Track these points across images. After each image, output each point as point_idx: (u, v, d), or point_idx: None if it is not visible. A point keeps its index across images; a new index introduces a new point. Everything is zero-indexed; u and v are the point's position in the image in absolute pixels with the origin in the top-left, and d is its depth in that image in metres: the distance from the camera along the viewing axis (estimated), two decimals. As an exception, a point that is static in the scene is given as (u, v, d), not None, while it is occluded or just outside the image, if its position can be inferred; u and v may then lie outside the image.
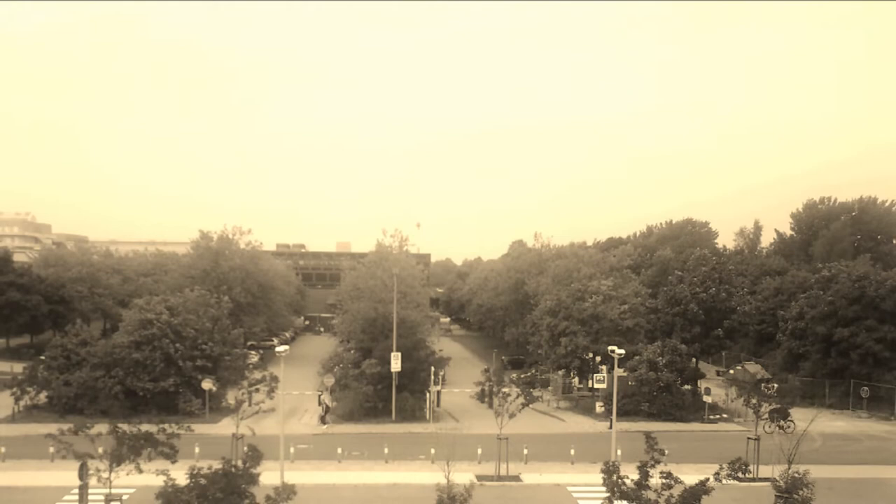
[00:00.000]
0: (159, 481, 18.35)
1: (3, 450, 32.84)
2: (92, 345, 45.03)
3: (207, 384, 42.61)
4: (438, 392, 47.75)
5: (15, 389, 42.41)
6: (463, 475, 27.67)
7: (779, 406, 33.56)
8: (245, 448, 20.31)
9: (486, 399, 41.55)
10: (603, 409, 45.99)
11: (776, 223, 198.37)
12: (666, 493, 17.90)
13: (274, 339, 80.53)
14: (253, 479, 18.80)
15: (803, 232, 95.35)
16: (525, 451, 34.06)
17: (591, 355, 50.97)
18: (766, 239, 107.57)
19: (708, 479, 18.24)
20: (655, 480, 18.34)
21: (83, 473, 21.11)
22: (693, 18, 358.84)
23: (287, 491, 18.44)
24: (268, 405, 32.19)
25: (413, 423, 43.04)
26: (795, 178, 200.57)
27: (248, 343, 64.60)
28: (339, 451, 34.38)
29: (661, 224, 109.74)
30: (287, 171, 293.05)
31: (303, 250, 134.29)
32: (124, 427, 21.02)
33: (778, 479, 23.25)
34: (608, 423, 39.72)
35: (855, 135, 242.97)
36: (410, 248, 72.02)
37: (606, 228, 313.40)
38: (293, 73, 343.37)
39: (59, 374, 43.22)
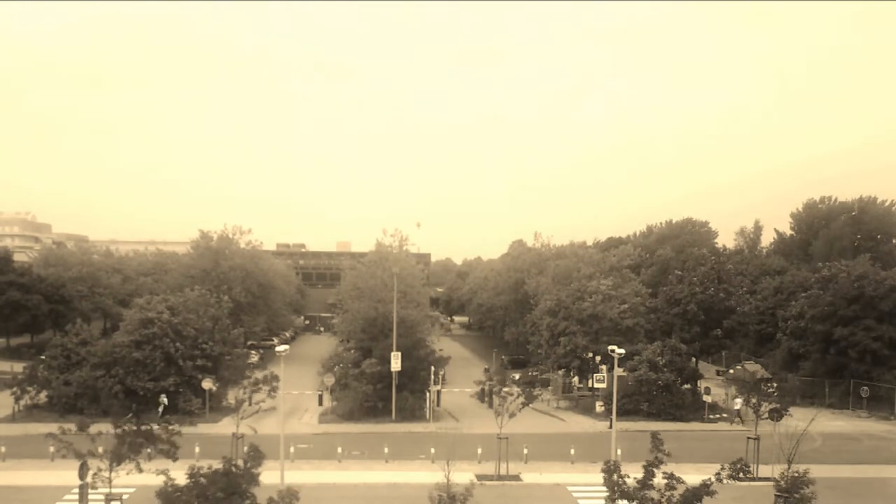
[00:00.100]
0: (159, 481, 18.33)
1: (3, 449, 32.83)
2: (92, 344, 45.04)
3: (208, 384, 42.63)
4: (438, 391, 47.76)
5: (15, 389, 42.42)
6: (463, 475, 27.69)
7: (777, 406, 33.51)
8: (246, 448, 20.30)
9: (486, 399, 41.57)
10: (603, 408, 46.01)
11: (776, 215, 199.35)
12: (668, 493, 17.89)
13: (274, 338, 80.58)
14: (254, 479, 18.78)
15: (803, 231, 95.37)
16: (525, 451, 34.06)
17: (590, 355, 50.98)
18: (766, 238, 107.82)
19: (710, 480, 18.22)
20: (658, 480, 18.34)
21: (83, 473, 21.11)
22: (693, 16, 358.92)
23: (290, 495, 18.40)
24: (268, 405, 32.20)
25: (413, 423, 43.05)
26: (795, 168, 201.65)
27: (249, 343, 64.59)
28: (340, 450, 34.38)
29: (660, 223, 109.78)
30: (287, 171, 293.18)
31: (303, 250, 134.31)
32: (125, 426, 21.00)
33: (779, 478, 23.28)
34: (608, 423, 39.72)
35: (854, 126, 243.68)
36: (410, 248, 72.14)
37: (606, 228, 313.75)
38: (293, 73, 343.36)
39: (59, 373, 43.24)
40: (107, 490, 20.72)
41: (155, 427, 21.05)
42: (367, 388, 42.87)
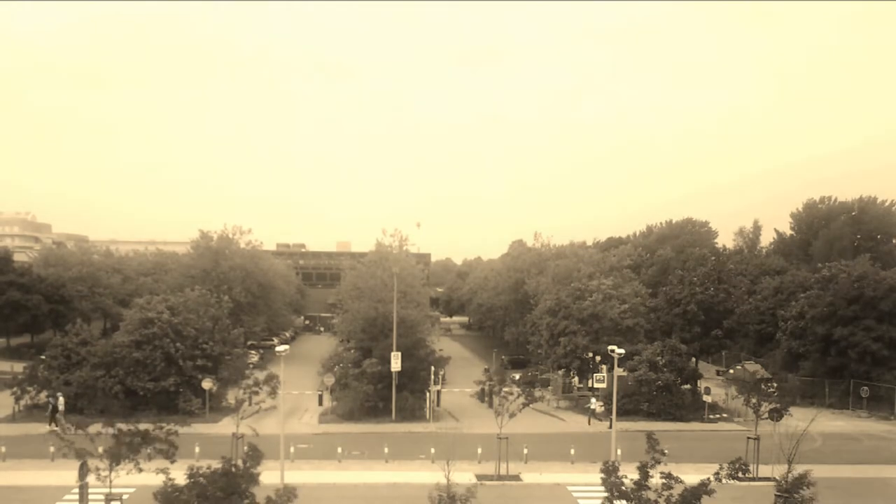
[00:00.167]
0: (159, 481, 18.32)
1: (3, 449, 32.84)
2: (92, 344, 45.01)
3: (207, 384, 42.62)
4: (438, 391, 47.75)
5: (15, 389, 42.41)
6: (463, 475, 27.71)
7: (777, 406, 33.52)
8: (245, 448, 20.29)
9: (486, 399, 41.55)
10: (602, 408, 46.02)
11: (776, 215, 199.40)
12: (666, 493, 17.88)
13: (274, 338, 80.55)
14: (253, 479, 18.76)
15: (803, 231, 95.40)
16: (525, 451, 34.07)
17: (590, 355, 50.98)
18: (766, 238, 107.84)
19: (709, 480, 18.21)
20: (656, 480, 18.33)
21: (83, 473, 21.11)
22: (693, 16, 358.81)
23: (288, 493, 18.39)
24: (268, 405, 32.20)
25: (413, 423, 43.04)
26: (795, 168, 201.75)
27: (249, 343, 64.63)
28: (340, 450, 34.38)
29: (660, 223, 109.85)
30: (287, 171, 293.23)
31: (303, 250, 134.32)
32: (123, 426, 21.00)
33: (779, 478, 23.25)
34: (608, 423, 39.72)
35: (854, 126, 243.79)
36: (410, 248, 72.22)
37: (606, 228, 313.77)
38: (293, 73, 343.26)
39: (59, 373, 43.20)
40: (107, 490, 20.72)
41: (150, 428, 21.05)
42: (367, 388, 42.87)
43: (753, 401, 33.52)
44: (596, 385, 49.15)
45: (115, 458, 20.16)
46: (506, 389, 32.89)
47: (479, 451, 33.85)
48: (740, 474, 19.39)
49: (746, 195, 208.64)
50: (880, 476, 33.25)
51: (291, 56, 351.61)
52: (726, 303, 56.98)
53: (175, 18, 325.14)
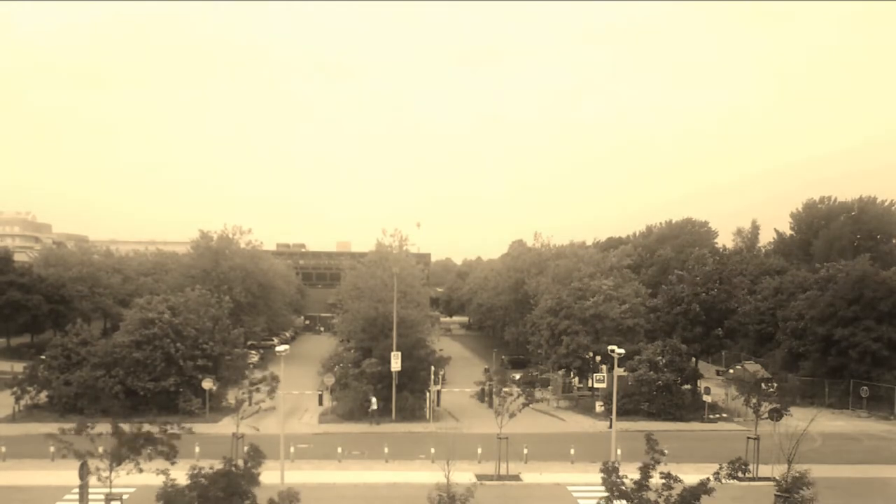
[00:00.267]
0: (160, 481, 18.35)
1: (3, 449, 32.86)
2: (92, 344, 45.02)
3: (208, 384, 42.64)
4: (438, 391, 47.75)
5: (15, 389, 42.45)
6: (463, 475, 27.71)
7: (777, 406, 33.55)
8: (246, 448, 20.30)
9: (486, 399, 41.57)
10: (603, 408, 46.01)
11: (776, 215, 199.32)
12: (666, 493, 17.90)
13: (274, 338, 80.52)
14: (254, 480, 18.79)
15: (803, 231, 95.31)
16: (525, 451, 34.07)
17: (591, 355, 50.97)
18: (765, 238, 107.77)
19: (708, 479, 18.23)
20: (656, 480, 18.35)
21: (83, 473, 21.12)
22: (693, 16, 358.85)
23: (290, 496, 18.41)
24: (268, 405, 32.19)
25: (413, 423, 43.05)
26: (795, 168, 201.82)
27: (249, 343, 64.61)
28: (340, 450, 34.39)
29: (660, 223, 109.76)
30: (287, 171, 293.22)
31: (303, 250, 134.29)
32: (124, 427, 21.00)
33: (779, 478, 23.27)
34: (608, 423, 39.73)
35: (854, 126, 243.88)
36: (410, 248, 72.27)
37: (606, 228, 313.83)
38: (293, 73, 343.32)
39: (59, 373, 43.23)
40: (107, 490, 20.73)
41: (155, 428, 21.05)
42: (367, 388, 42.88)
43: (753, 401, 33.52)
44: (596, 385, 49.17)
45: (115, 458, 20.17)
46: (506, 389, 32.88)
47: (479, 451, 33.85)
48: (740, 474, 19.44)
49: (746, 195, 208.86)
50: (880, 476, 33.26)
51: (291, 56, 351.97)
52: (728, 303, 56.98)
53: (175, 18, 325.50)
